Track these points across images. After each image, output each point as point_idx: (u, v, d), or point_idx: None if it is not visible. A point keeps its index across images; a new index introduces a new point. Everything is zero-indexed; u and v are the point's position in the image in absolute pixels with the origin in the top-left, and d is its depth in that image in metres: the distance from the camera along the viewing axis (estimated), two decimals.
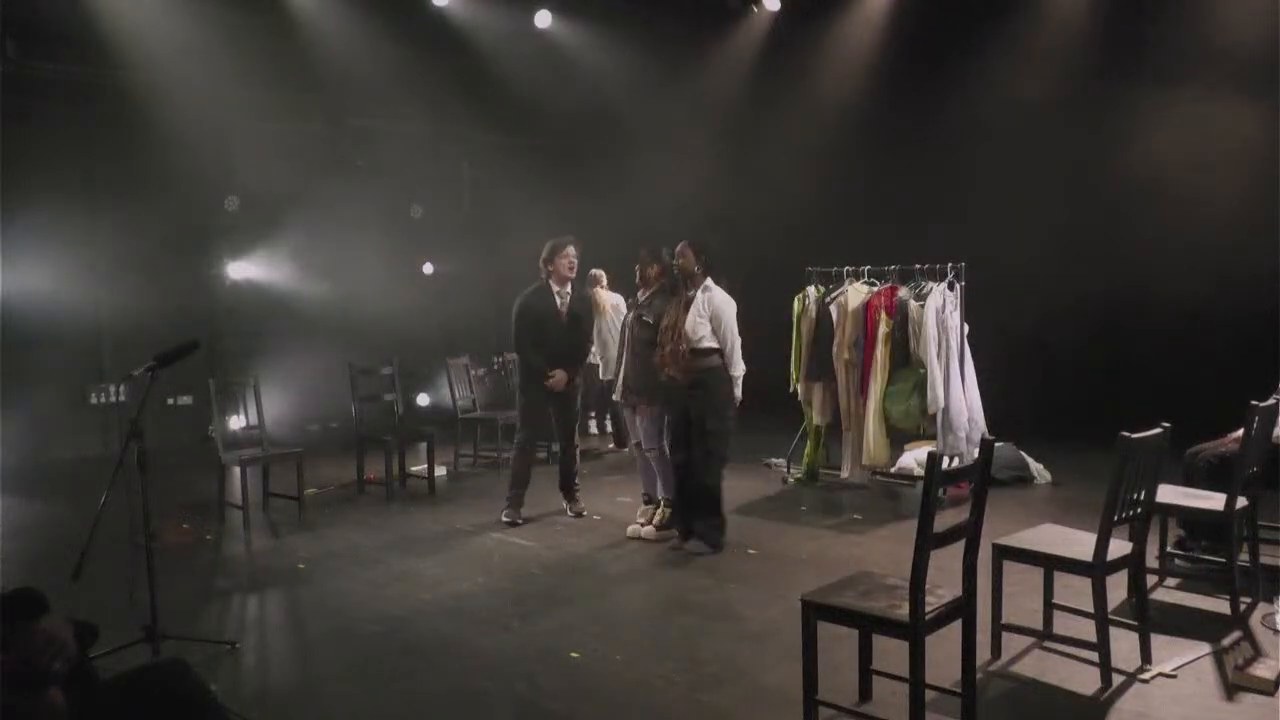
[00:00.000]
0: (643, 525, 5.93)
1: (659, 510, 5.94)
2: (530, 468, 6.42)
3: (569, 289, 6.32)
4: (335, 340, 9.75)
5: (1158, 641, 3.83)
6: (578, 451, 6.52)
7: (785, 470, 7.46)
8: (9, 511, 6.82)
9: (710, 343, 5.43)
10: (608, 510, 6.58)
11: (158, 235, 9.16)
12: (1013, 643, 3.93)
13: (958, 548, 3.15)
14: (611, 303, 8.43)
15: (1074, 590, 3.98)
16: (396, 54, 9.63)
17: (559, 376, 6.18)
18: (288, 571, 5.36)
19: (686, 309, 5.47)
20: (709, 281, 5.51)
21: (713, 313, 5.42)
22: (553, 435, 6.59)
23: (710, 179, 10.47)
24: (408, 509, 6.80)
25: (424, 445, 7.42)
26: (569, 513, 6.46)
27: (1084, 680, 3.63)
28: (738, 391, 5.51)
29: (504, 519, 6.30)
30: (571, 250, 6.26)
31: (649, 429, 5.82)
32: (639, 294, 5.96)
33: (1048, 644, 3.93)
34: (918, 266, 6.75)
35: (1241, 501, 4.28)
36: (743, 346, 5.55)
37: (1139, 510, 3.66)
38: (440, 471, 7.56)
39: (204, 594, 5.03)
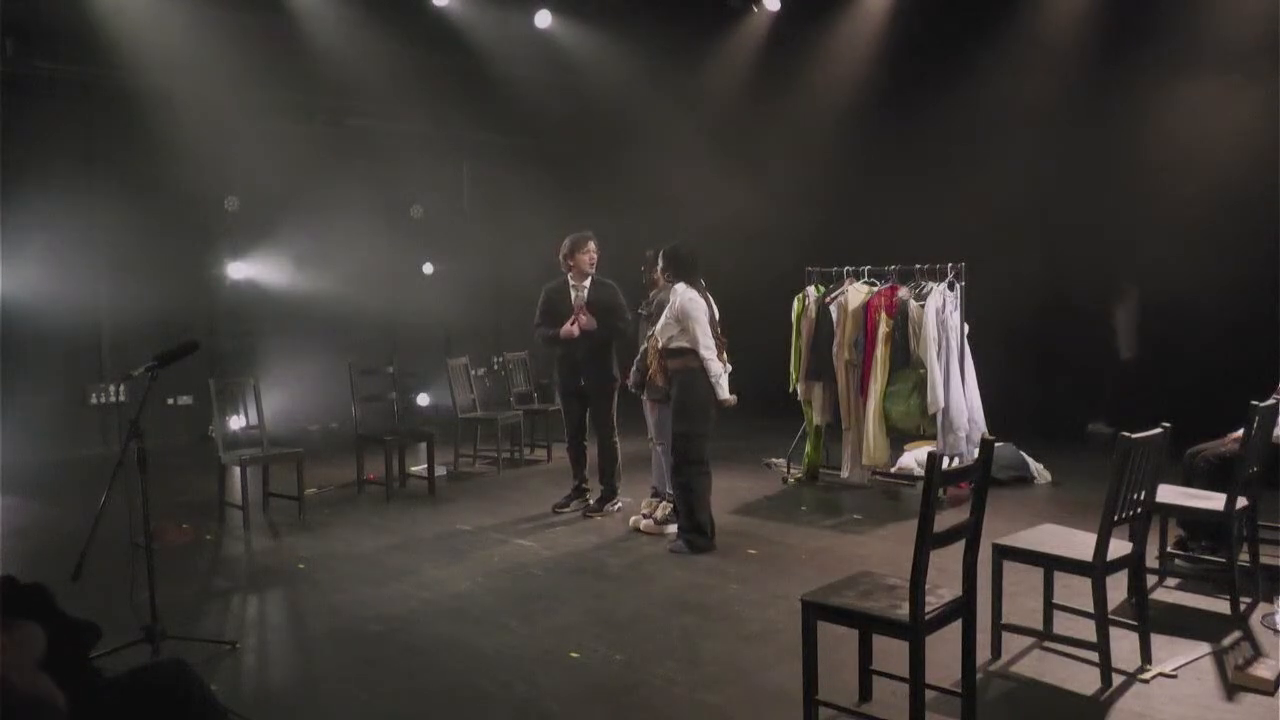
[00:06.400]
0: (644, 518, 5.99)
1: (659, 505, 5.98)
2: (580, 461, 6.59)
3: (588, 284, 6.38)
4: (335, 340, 9.75)
5: (1158, 641, 3.83)
6: (616, 447, 6.50)
7: (785, 470, 7.47)
8: (9, 511, 6.82)
9: (681, 342, 5.48)
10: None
11: (158, 235, 9.17)
12: (1013, 643, 3.93)
13: (958, 548, 3.15)
14: None
15: (1074, 590, 3.98)
16: (396, 54, 9.63)
17: (580, 320, 6.22)
18: (288, 571, 5.35)
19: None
20: (679, 285, 5.55)
21: (678, 313, 5.46)
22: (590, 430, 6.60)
23: (710, 178, 10.47)
24: (408, 509, 6.79)
25: (424, 445, 7.42)
26: (591, 504, 6.49)
27: (1084, 680, 3.63)
28: (722, 392, 5.48)
29: (559, 503, 6.59)
30: (592, 245, 6.37)
31: (660, 423, 5.87)
32: (648, 294, 6.04)
33: (1048, 644, 3.93)
34: (918, 266, 6.75)
35: (1241, 501, 4.28)
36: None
37: (1139, 510, 3.66)
38: (440, 471, 7.55)
39: (204, 594, 5.04)
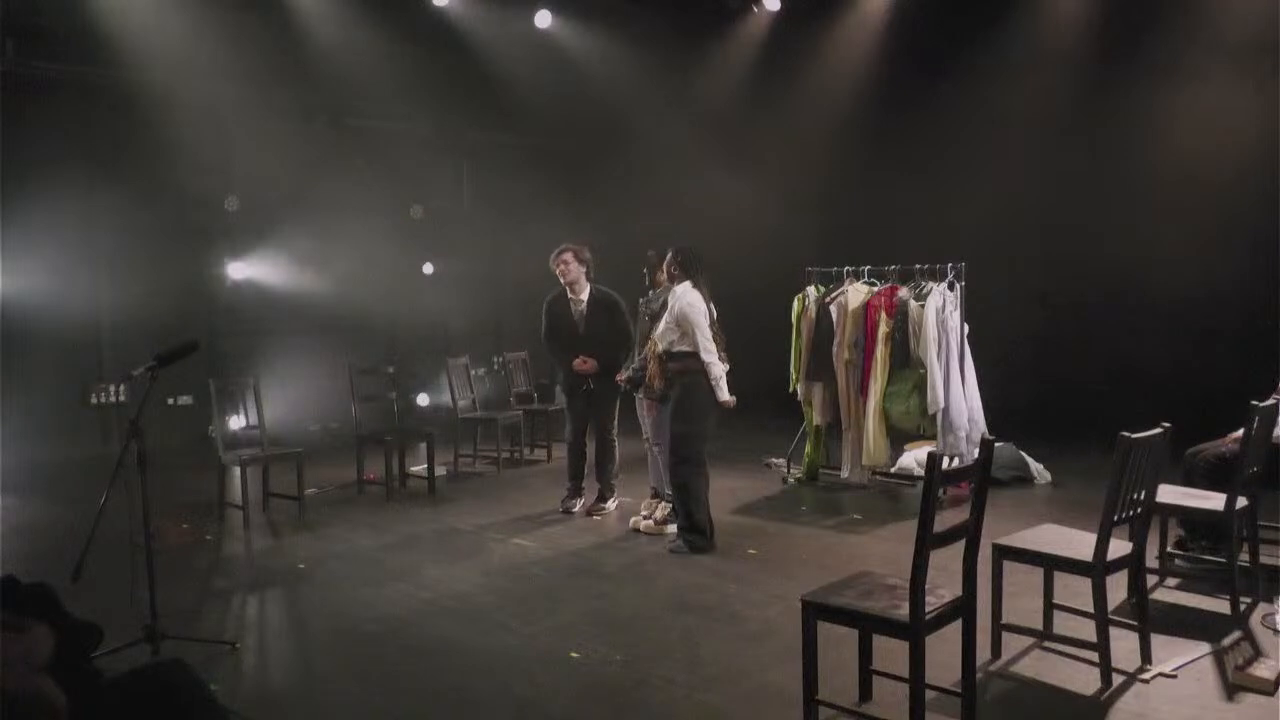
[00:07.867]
0: (644, 518, 5.98)
1: (659, 505, 5.98)
2: (579, 462, 6.59)
3: (585, 294, 6.40)
4: (335, 340, 9.75)
5: (1158, 641, 3.83)
6: (614, 445, 6.52)
7: (785, 470, 7.46)
8: (9, 511, 6.82)
9: (683, 346, 5.46)
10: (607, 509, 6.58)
11: (158, 236, 9.16)
12: (1013, 643, 3.93)
13: (958, 548, 3.15)
14: None
15: (1074, 590, 3.98)
16: (396, 54, 9.62)
17: (588, 362, 6.30)
18: (288, 571, 5.35)
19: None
20: (679, 287, 5.52)
21: (678, 318, 5.44)
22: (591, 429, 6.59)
23: (710, 178, 10.47)
24: (408, 509, 6.79)
25: (424, 445, 7.42)
26: (596, 506, 6.48)
27: (1084, 680, 3.63)
28: (722, 393, 5.45)
29: (560, 507, 6.57)
30: (566, 256, 6.34)
31: (657, 423, 5.87)
32: (650, 294, 6.04)
33: (1048, 644, 3.93)
34: (918, 266, 6.75)
35: (1241, 501, 4.29)
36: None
37: (1139, 510, 3.66)
38: (440, 471, 7.55)
39: (204, 594, 5.03)
